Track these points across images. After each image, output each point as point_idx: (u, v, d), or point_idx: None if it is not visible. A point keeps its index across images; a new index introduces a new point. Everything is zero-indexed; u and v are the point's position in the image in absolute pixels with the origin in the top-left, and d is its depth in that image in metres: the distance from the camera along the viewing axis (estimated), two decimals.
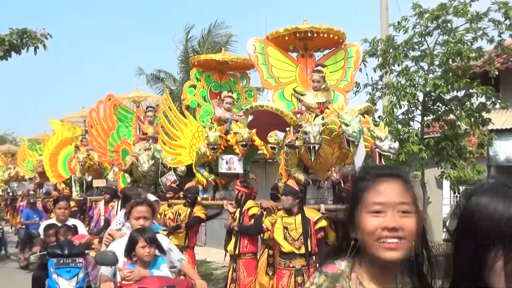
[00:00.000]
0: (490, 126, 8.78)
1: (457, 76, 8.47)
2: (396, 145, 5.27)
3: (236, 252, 6.24)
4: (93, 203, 10.59)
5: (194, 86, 7.80)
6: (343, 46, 6.72)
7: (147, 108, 9.57)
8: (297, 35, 6.32)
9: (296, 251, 5.53)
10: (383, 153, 5.14)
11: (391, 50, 8.73)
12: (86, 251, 5.70)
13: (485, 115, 8.62)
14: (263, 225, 5.86)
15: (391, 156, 5.13)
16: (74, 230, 5.80)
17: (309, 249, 5.48)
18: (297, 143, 5.56)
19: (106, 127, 10.12)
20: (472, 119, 8.34)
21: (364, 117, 5.48)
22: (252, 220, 6.11)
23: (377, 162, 5.09)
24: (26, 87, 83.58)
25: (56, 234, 5.72)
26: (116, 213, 8.09)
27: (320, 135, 5.23)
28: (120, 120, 10.09)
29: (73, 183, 12.28)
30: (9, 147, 24.11)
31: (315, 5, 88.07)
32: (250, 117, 6.91)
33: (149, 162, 8.38)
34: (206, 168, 7.26)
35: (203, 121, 7.66)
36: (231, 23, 44.69)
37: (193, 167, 7.39)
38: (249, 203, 6.32)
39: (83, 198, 11.33)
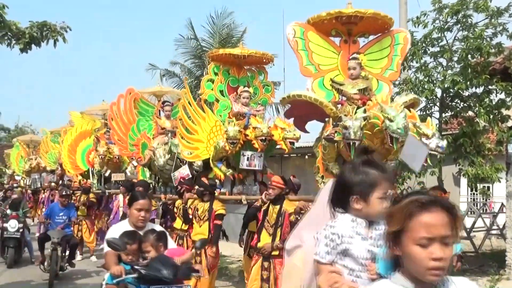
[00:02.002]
0: (510, 123, 8.57)
1: (476, 72, 8.20)
2: (444, 143, 4.88)
3: (275, 252, 5.71)
4: (113, 195, 10.64)
5: (212, 81, 7.62)
6: (389, 32, 6.21)
7: (163, 102, 9.46)
8: (341, 19, 5.83)
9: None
10: (430, 151, 4.72)
11: (410, 46, 8.66)
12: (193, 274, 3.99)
13: (504, 111, 8.37)
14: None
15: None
16: (165, 239, 3.98)
17: None
18: (336, 137, 5.20)
19: (127, 121, 9.98)
20: (491, 116, 8.12)
21: (410, 111, 5.04)
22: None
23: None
24: (47, 81, 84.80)
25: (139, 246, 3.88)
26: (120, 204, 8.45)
27: (361, 130, 4.85)
28: (140, 114, 9.93)
29: (90, 176, 12.29)
30: (31, 137, 22.79)
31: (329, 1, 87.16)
32: (287, 106, 6.56)
33: (165, 156, 8.28)
34: (224, 163, 7.08)
35: (220, 116, 7.46)
36: (243, 16, 44.29)
37: (211, 161, 7.21)
38: (289, 205, 5.80)
39: (102, 191, 11.50)
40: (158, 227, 4.24)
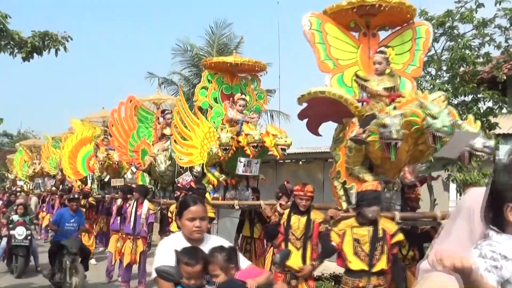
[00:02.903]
0: (497, 130, 8.80)
1: (464, 81, 8.30)
2: (492, 142, 4.43)
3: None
4: (112, 200, 10.74)
5: (206, 88, 7.69)
6: (410, 25, 5.68)
7: (163, 111, 9.70)
8: (359, 10, 5.25)
9: (367, 269, 4.47)
10: (475, 152, 4.34)
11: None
12: None
13: (492, 119, 8.43)
14: (333, 243, 4.66)
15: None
16: (236, 258, 3.04)
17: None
18: (370, 137, 4.63)
19: (127, 128, 10.20)
20: (479, 123, 8.47)
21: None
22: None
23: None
24: (48, 88, 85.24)
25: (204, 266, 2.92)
26: (132, 210, 8.33)
27: (401, 128, 4.33)
28: (140, 121, 10.15)
29: (89, 181, 12.49)
30: (34, 141, 22.68)
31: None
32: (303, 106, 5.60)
33: (166, 162, 8.47)
34: (217, 168, 7.14)
35: (214, 122, 7.53)
36: (239, 26, 45.17)
37: (204, 167, 7.29)
38: (317, 214, 5.33)
39: (101, 195, 11.68)
40: (224, 242, 3.16)
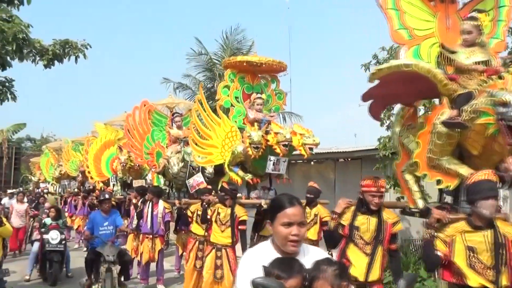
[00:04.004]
0: None
1: None
2: None
3: (374, 277, 4.22)
4: (130, 201, 11.16)
5: (228, 87, 7.60)
6: None
7: (173, 114, 9.81)
8: None
9: (490, 285, 3.41)
10: None
11: None
12: None
13: None
14: (437, 252, 3.62)
15: None
16: (347, 274, 2.24)
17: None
18: (475, 120, 3.81)
19: (142, 131, 10.33)
20: None
21: None
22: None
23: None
24: (69, 94, 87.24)
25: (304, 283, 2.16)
26: (149, 210, 8.20)
27: None
28: (154, 124, 10.32)
29: (111, 182, 12.66)
30: (60, 143, 21.71)
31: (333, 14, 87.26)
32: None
33: (179, 164, 8.49)
34: (240, 168, 6.98)
35: (235, 122, 7.41)
36: (250, 29, 45.72)
37: (226, 166, 7.08)
38: (390, 214, 4.40)
39: (124, 196, 11.91)
40: (324, 253, 2.39)
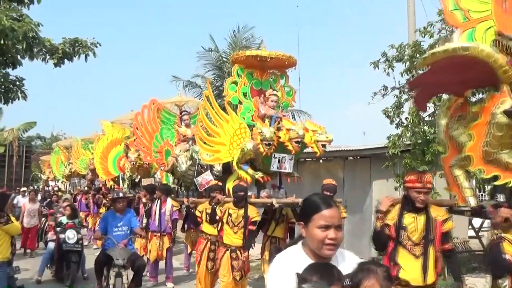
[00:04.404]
0: None
1: None
2: None
3: (430, 281, 3.92)
4: (139, 199, 11.11)
5: (236, 83, 7.37)
6: None
7: (181, 112, 9.75)
8: None
9: None
10: None
11: (418, 56, 8.35)
12: None
13: None
14: (506, 256, 3.32)
15: None
16: (392, 277, 2.30)
17: None
18: None
19: (150, 130, 10.30)
20: None
21: None
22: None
23: None
24: (79, 92, 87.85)
25: None
26: (157, 208, 8.31)
27: None
28: (163, 122, 10.27)
29: (120, 181, 12.63)
30: (70, 141, 21.35)
31: (341, 13, 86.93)
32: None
33: (187, 162, 8.38)
34: (249, 165, 6.79)
35: (244, 118, 7.20)
36: (259, 27, 45.67)
37: (235, 164, 6.87)
38: (439, 211, 4.06)
39: (132, 195, 11.96)
40: (357, 258, 2.26)
